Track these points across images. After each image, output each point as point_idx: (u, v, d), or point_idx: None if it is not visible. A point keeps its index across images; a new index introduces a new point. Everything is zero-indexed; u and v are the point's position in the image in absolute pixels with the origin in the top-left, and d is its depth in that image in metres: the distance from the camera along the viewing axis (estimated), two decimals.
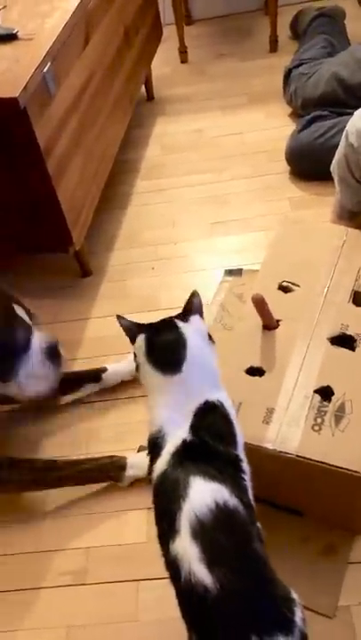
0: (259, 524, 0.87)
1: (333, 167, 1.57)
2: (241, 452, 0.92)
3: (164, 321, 1.00)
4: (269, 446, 1.07)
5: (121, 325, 1.01)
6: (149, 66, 2.42)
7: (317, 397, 1.12)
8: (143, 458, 1.31)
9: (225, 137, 2.25)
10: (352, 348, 1.18)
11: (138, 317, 1.69)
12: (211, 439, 0.89)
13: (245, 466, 0.91)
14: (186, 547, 0.80)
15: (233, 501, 0.83)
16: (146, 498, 1.26)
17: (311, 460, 1.04)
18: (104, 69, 1.84)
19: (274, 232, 1.47)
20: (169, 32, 2.63)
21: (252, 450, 1.05)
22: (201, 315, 1.00)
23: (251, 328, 1.27)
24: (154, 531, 1.21)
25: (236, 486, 0.86)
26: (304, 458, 1.04)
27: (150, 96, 2.50)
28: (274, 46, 2.64)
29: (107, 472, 1.29)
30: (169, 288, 1.72)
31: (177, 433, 0.90)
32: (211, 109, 2.40)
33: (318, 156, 1.80)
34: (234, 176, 2.08)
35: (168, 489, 0.87)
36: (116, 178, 2.09)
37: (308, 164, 1.94)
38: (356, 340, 1.19)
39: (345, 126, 1.50)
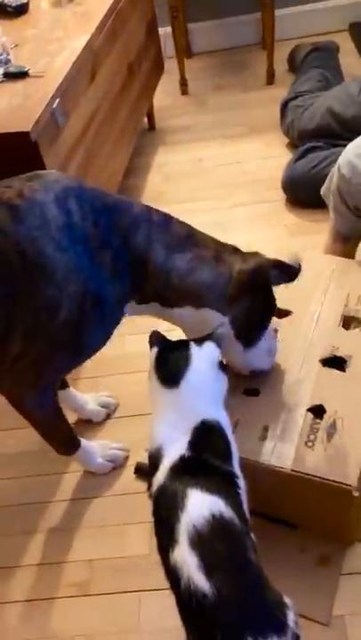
0: (253, 536, 0.92)
1: (325, 193, 1.64)
2: (236, 469, 0.98)
3: (181, 340, 1.08)
4: (265, 462, 1.13)
5: (150, 335, 1.08)
6: (151, 97, 2.52)
7: (310, 415, 1.18)
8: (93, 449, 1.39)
9: (224, 166, 2.34)
10: (343, 369, 1.24)
11: (141, 339, 1.75)
12: (208, 456, 0.95)
13: (241, 481, 0.97)
14: (185, 556, 0.85)
15: (229, 513, 0.88)
16: (148, 511, 1.31)
17: (305, 474, 1.10)
18: (109, 102, 1.94)
19: None
20: (170, 65, 2.74)
21: (248, 465, 1.11)
22: (218, 344, 1.05)
23: None
24: (155, 542, 1.27)
25: (232, 499, 0.91)
26: (298, 472, 1.10)
27: (152, 126, 2.60)
28: (271, 79, 2.75)
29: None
30: None
31: (175, 448, 0.96)
32: (211, 139, 2.50)
33: (313, 185, 1.88)
34: (234, 204, 2.16)
35: (167, 501, 0.92)
36: None
37: (304, 193, 2.03)
38: (346, 362, 1.25)
39: (338, 157, 1.58)
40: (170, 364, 1.03)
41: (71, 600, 1.23)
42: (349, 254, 1.61)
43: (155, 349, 1.06)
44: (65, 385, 1.42)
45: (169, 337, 1.09)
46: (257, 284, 1.14)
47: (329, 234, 1.65)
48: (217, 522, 0.87)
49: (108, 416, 1.44)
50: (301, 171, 2.04)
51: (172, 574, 0.87)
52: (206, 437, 0.97)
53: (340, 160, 1.52)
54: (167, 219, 1.15)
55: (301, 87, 2.39)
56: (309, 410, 1.19)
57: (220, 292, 1.12)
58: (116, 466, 1.41)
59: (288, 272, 1.16)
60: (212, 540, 0.86)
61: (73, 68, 1.61)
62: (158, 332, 1.09)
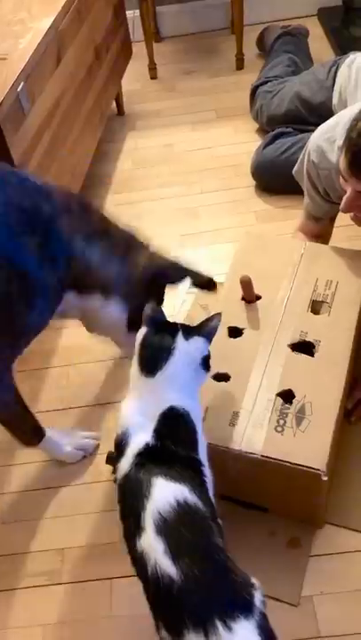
0: (220, 521, 0.93)
1: (297, 173, 1.64)
2: (203, 457, 0.98)
3: (172, 325, 1.05)
4: (235, 447, 1.13)
5: (145, 311, 1.07)
6: (120, 82, 2.48)
7: (280, 400, 1.19)
8: (60, 438, 1.38)
9: (194, 151, 2.33)
10: (311, 354, 1.25)
11: None
12: (172, 443, 0.95)
13: (206, 469, 0.98)
14: (151, 542, 0.86)
15: (193, 499, 0.89)
16: None
17: (274, 459, 1.11)
18: (76, 87, 1.91)
19: (237, 246, 1.54)
20: (138, 49, 2.70)
21: (219, 451, 1.12)
22: (208, 338, 1.04)
23: (217, 337, 1.33)
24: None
25: (197, 486, 0.92)
26: (268, 457, 1.11)
27: (121, 111, 2.57)
28: (240, 64, 2.73)
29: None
30: None
31: (141, 435, 0.96)
32: (180, 124, 2.48)
33: (282, 171, 1.88)
34: (203, 189, 2.15)
35: (132, 489, 0.93)
36: (88, 191, 2.14)
37: (272, 179, 2.03)
38: (314, 347, 1.26)
39: (307, 142, 1.58)
40: (151, 350, 1.01)
41: (42, 589, 1.22)
42: (323, 232, 1.62)
43: (143, 330, 1.04)
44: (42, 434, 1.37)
45: None
46: (156, 283, 1.20)
47: (303, 212, 1.66)
48: (182, 508, 0.87)
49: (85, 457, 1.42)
50: (270, 156, 2.03)
51: (139, 562, 0.88)
52: (172, 425, 0.97)
53: (309, 145, 1.53)
54: (84, 208, 1.18)
55: (271, 72, 2.39)
56: (279, 395, 1.20)
57: (126, 284, 1.19)
58: (87, 454, 1.41)
59: (193, 279, 1.25)
60: (177, 526, 0.87)
61: (37, 50, 1.57)
62: (155, 308, 1.07)
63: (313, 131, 1.59)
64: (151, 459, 0.94)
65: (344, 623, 1.10)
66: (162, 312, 1.09)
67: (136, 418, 0.98)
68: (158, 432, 0.96)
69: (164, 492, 0.89)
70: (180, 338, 1.01)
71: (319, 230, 1.61)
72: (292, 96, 2.07)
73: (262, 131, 2.29)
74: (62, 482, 1.38)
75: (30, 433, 1.34)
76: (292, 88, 2.10)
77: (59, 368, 1.63)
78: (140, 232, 1.27)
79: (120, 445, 0.98)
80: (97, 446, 1.43)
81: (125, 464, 0.95)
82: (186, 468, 0.94)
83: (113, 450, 1.36)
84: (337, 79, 1.84)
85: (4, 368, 1.21)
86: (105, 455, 1.39)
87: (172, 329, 1.03)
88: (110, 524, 1.29)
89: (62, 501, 1.35)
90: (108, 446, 1.40)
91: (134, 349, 1.13)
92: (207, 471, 0.98)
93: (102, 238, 1.17)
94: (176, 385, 0.99)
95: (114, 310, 1.22)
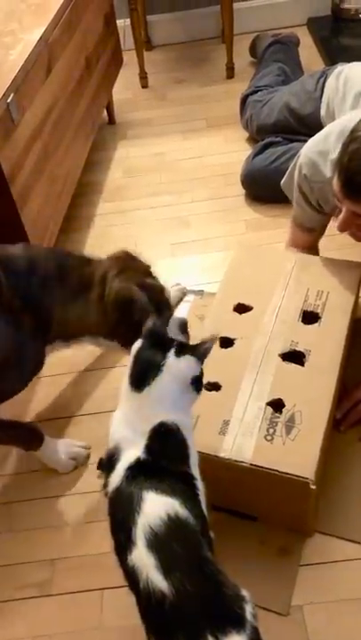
0: (212, 534, 0.93)
1: (285, 186, 1.65)
2: (194, 470, 0.98)
3: (167, 341, 1.02)
4: (225, 456, 1.14)
5: (146, 326, 1.05)
6: (111, 91, 2.50)
7: (270, 409, 1.20)
8: (55, 445, 1.40)
9: (185, 160, 2.34)
10: (301, 364, 1.26)
11: None
12: (163, 458, 0.95)
13: (198, 483, 0.97)
14: (143, 557, 0.86)
15: (184, 513, 0.89)
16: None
17: (264, 467, 1.11)
18: (66, 97, 1.91)
19: (230, 257, 1.56)
20: (129, 57, 2.72)
21: (208, 459, 1.12)
22: (201, 358, 1.01)
23: None
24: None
25: (188, 500, 0.91)
26: (257, 466, 1.12)
27: (112, 120, 2.58)
28: (231, 73, 2.75)
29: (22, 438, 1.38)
30: None
31: (132, 450, 0.96)
32: (171, 133, 2.49)
33: (272, 180, 1.89)
34: (194, 198, 2.16)
35: (123, 503, 0.92)
36: (80, 200, 2.15)
37: (262, 188, 2.04)
38: (305, 356, 1.27)
39: (297, 152, 1.59)
40: (141, 365, 1.00)
41: (33, 601, 1.22)
42: (314, 243, 1.64)
43: (138, 342, 1.02)
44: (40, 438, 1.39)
45: None
46: (128, 312, 1.24)
47: (292, 224, 1.67)
48: (173, 523, 0.87)
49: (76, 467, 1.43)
50: (260, 166, 2.05)
51: (131, 576, 0.88)
52: (163, 440, 0.96)
53: (300, 158, 1.54)
54: (63, 270, 1.26)
55: (261, 82, 2.40)
56: (269, 404, 1.21)
57: (105, 323, 1.27)
58: (78, 464, 1.41)
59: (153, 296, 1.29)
60: (168, 541, 0.86)
61: (28, 61, 1.58)
62: (157, 321, 1.06)
63: (302, 141, 1.60)
64: (142, 473, 0.93)
65: (334, 633, 1.10)
66: (162, 326, 1.09)
67: (127, 432, 0.98)
68: (149, 447, 0.95)
69: (155, 507, 0.89)
70: (171, 355, 0.99)
71: (311, 241, 1.62)
72: (282, 106, 2.08)
73: (253, 140, 2.30)
74: (52, 492, 1.38)
75: (27, 442, 1.37)
76: (281, 98, 2.12)
77: (48, 378, 1.62)
78: (121, 257, 1.32)
79: (111, 459, 0.98)
80: (88, 456, 1.42)
81: (116, 478, 0.95)
82: (177, 482, 0.93)
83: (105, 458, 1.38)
84: (325, 90, 1.86)
85: None
86: (94, 465, 1.40)
87: (166, 345, 1.02)
88: (101, 534, 1.28)
89: (52, 512, 1.35)
90: (97, 455, 1.40)
91: None
92: (199, 484, 0.97)
93: (78, 294, 1.25)
94: (165, 401, 0.98)
95: (105, 343, 1.31)
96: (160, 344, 1.01)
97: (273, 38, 2.62)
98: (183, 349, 1.00)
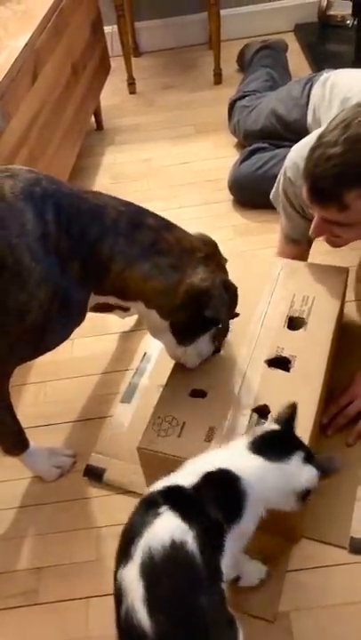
0: (224, 585, 0.88)
1: (274, 197, 1.67)
2: (236, 541, 0.94)
3: (296, 439, 1.03)
4: None
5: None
6: (98, 97, 2.50)
7: (255, 415, 1.20)
8: (41, 453, 1.38)
9: (173, 166, 2.34)
10: (287, 369, 1.26)
11: (89, 342, 1.74)
12: (207, 500, 0.91)
13: (230, 545, 0.92)
14: (132, 581, 0.82)
15: (192, 547, 0.83)
16: (95, 517, 1.32)
17: None
18: (53, 103, 1.91)
19: None
20: (117, 63, 2.72)
21: None
22: (321, 474, 1.00)
23: None
24: (103, 549, 1.26)
25: (205, 543, 0.85)
26: None
27: (100, 126, 2.58)
28: (218, 79, 2.76)
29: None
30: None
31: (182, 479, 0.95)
32: (159, 139, 2.49)
33: (259, 186, 1.90)
34: (182, 204, 2.16)
35: (142, 511, 0.90)
36: None
37: (250, 194, 2.05)
38: (290, 362, 1.27)
39: (284, 157, 1.60)
40: (273, 444, 1.00)
41: (18, 610, 1.21)
42: (302, 257, 1.64)
43: (271, 424, 1.03)
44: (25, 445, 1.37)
45: None
46: (200, 303, 1.19)
47: (280, 237, 1.68)
48: (174, 550, 0.82)
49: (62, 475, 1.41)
50: (247, 172, 2.05)
51: (117, 591, 0.84)
52: (218, 486, 0.94)
53: (286, 163, 1.55)
54: (135, 225, 1.18)
55: (248, 87, 2.41)
56: (255, 410, 1.21)
57: (168, 299, 1.19)
58: (64, 472, 1.40)
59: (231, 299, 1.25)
60: (161, 572, 0.82)
61: (13, 67, 1.58)
62: (290, 407, 1.05)
63: (289, 146, 1.61)
64: (179, 499, 0.90)
65: (320, 639, 1.10)
66: (292, 415, 1.05)
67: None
68: (198, 486, 0.93)
69: (165, 527, 0.84)
70: (298, 457, 0.98)
71: (298, 254, 1.63)
72: (268, 112, 2.09)
73: (241, 145, 2.31)
74: (38, 500, 1.37)
75: (15, 441, 1.34)
76: (268, 104, 2.13)
77: (36, 384, 1.62)
78: (211, 244, 1.28)
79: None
80: (73, 464, 1.42)
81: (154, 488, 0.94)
82: (204, 521, 0.88)
83: (91, 463, 1.37)
84: (311, 98, 1.87)
85: (8, 371, 1.24)
86: (80, 472, 1.39)
87: (296, 443, 1.02)
88: (87, 542, 1.29)
89: (38, 520, 1.34)
90: (83, 463, 1.40)
91: (181, 356, 1.25)
92: (231, 549, 0.92)
93: (149, 256, 1.17)
94: (265, 483, 0.97)
95: (156, 320, 1.23)
96: (289, 437, 1.01)
97: (261, 44, 2.64)
98: (310, 457, 1.00)
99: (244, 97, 2.34)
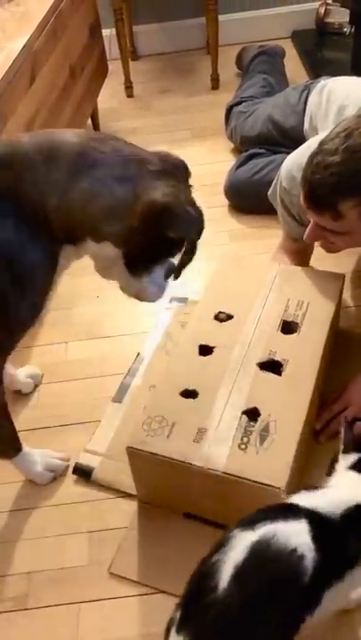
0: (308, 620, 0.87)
1: (271, 197, 1.67)
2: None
3: None
4: (198, 464, 1.14)
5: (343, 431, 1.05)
6: (95, 100, 2.50)
7: (245, 418, 1.20)
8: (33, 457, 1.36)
9: None
10: (279, 373, 1.27)
11: (83, 345, 1.74)
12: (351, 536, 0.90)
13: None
14: (239, 548, 0.85)
15: (306, 566, 0.84)
16: (87, 522, 1.31)
17: (236, 476, 1.11)
18: (50, 105, 1.91)
19: (214, 266, 1.56)
20: (115, 67, 2.72)
21: (181, 467, 1.13)
22: None
23: (188, 353, 1.35)
24: (95, 553, 1.26)
25: (324, 574, 0.86)
26: (229, 474, 1.12)
27: (96, 129, 2.57)
28: (215, 84, 2.76)
29: None
30: (113, 316, 1.78)
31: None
32: (156, 143, 2.46)
33: (255, 191, 1.90)
34: None
35: (283, 509, 0.92)
36: None
37: (246, 199, 2.05)
38: (282, 366, 1.27)
39: (280, 163, 1.61)
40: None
41: (8, 615, 1.20)
42: (303, 250, 1.65)
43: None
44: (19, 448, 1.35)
45: None
46: (162, 223, 1.02)
47: (283, 233, 1.69)
48: (288, 558, 0.84)
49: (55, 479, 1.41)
50: (243, 177, 2.06)
51: (219, 546, 0.88)
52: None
53: (281, 172, 1.56)
54: (51, 148, 1.01)
55: (246, 92, 2.42)
56: (245, 412, 1.21)
57: (122, 221, 1.02)
58: (56, 476, 1.39)
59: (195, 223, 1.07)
60: (267, 566, 0.84)
61: (10, 69, 1.58)
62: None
63: (286, 152, 1.62)
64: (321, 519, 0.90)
65: None
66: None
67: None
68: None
69: (296, 533, 0.86)
70: None
71: (299, 248, 1.64)
72: (265, 119, 2.09)
73: (237, 150, 2.31)
74: (29, 504, 1.36)
75: (9, 444, 1.33)
76: (265, 110, 2.13)
77: None
78: (175, 160, 1.14)
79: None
80: (66, 468, 1.41)
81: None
82: (337, 552, 0.89)
83: (80, 462, 1.36)
84: (308, 105, 1.87)
85: None
86: (72, 477, 1.39)
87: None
88: (79, 546, 1.28)
89: (29, 523, 1.33)
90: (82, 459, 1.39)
91: (137, 291, 1.12)
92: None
93: (84, 172, 0.99)
94: None
95: (109, 253, 1.06)
96: None
97: (259, 50, 2.64)
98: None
99: (241, 103, 2.35)
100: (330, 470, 1.03)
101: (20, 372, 1.58)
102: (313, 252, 1.68)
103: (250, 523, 0.89)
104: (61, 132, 1.06)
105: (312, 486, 1.00)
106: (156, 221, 1.01)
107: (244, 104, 2.32)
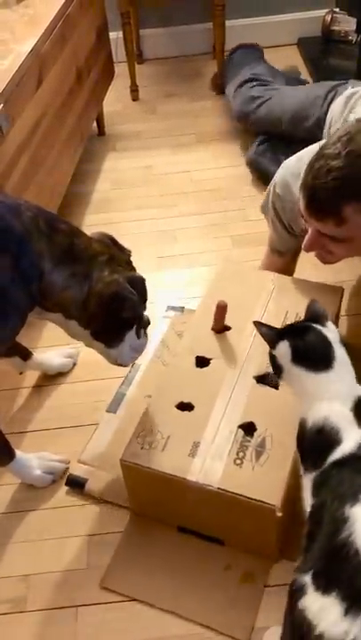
0: None
1: (263, 208, 1.67)
2: None
3: (301, 327, 1.09)
4: (192, 479, 1.13)
5: (260, 333, 1.10)
6: (101, 103, 2.50)
7: (241, 432, 1.19)
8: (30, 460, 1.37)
9: (173, 174, 2.35)
10: (276, 387, 1.25)
11: (83, 349, 1.73)
12: None
13: None
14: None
15: None
16: (85, 524, 1.32)
17: (230, 492, 1.11)
18: (56, 108, 1.92)
19: (214, 274, 1.57)
20: (121, 70, 2.73)
21: (176, 482, 1.13)
22: (327, 318, 1.09)
23: (184, 365, 1.35)
24: (93, 557, 1.26)
25: None
26: (224, 490, 1.11)
27: (101, 132, 2.59)
28: (220, 89, 2.77)
29: None
30: None
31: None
32: (160, 147, 2.50)
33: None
34: (181, 212, 2.17)
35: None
36: (66, 211, 2.14)
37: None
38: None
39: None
40: (315, 351, 1.04)
41: (5, 617, 1.20)
42: (286, 267, 1.65)
43: (285, 344, 1.06)
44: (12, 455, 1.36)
45: None
46: (114, 308, 1.21)
47: (267, 248, 1.69)
48: None
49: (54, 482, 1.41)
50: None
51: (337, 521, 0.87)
52: None
53: (276, 178, 1.55)
54: (52, 227, 1.19)
55: (252, 71, 2.41)
56: (241, 426, 1.20)
57: (84, 310, 1.21)
58: (56, 478, 1.40)
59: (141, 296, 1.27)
60: None
61: (18, 72, 1.59)
62: (263, 324, 1.12)
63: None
64: None
65: None
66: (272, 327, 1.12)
67: (333, 407, 1.00)
68: None
69: None
70: (319, 327, 1.06)
71: (282, 265, 1.64)
72: (282, 110, 2.14)
73: (240, 156, 2.33)
74: (28, 506, 1.37)
75: (0, 453, 1.33)
76: (282, 101, 2.17)
77: (28, 389, 1.62)
78: (114, 242, 1.31)
79: (324, 433, 0.98)
80: (66, 470, 1.42)
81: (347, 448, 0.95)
82: None
83: (73, 473, 1.37)
84: (331, 108, 1.84)
85: None
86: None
87: (304, 328, 1.08)
88: (77, 549, 1.29)
89: (28, 526, 1.34)
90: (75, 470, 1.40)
91: (115, 357, 1.27)
92: None
93: (66, 260, 1.18)
94: (347, 367, 1.04)
95: (77, 329, 1.25)
96: (299, 331, 1.09)
97: (238, 45, 2.64)
98: (315, 320, 1.09)
99: (249, 81, 2.35)
100: None
101: (52, 357, 1.62)
102: (295, 271, 1.68)
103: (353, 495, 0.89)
104: (56, 217, 1.25)
105: None
106: (107, 308, 1.20)
107: (256, 88, 2.32)
